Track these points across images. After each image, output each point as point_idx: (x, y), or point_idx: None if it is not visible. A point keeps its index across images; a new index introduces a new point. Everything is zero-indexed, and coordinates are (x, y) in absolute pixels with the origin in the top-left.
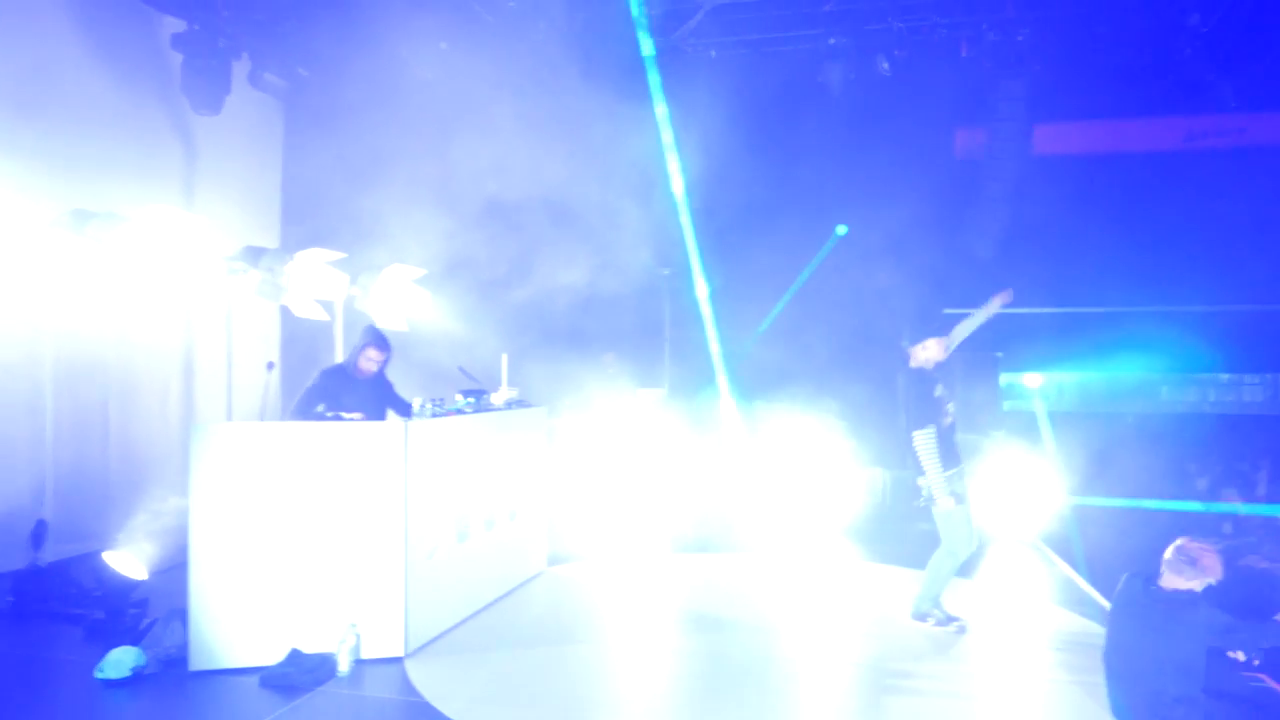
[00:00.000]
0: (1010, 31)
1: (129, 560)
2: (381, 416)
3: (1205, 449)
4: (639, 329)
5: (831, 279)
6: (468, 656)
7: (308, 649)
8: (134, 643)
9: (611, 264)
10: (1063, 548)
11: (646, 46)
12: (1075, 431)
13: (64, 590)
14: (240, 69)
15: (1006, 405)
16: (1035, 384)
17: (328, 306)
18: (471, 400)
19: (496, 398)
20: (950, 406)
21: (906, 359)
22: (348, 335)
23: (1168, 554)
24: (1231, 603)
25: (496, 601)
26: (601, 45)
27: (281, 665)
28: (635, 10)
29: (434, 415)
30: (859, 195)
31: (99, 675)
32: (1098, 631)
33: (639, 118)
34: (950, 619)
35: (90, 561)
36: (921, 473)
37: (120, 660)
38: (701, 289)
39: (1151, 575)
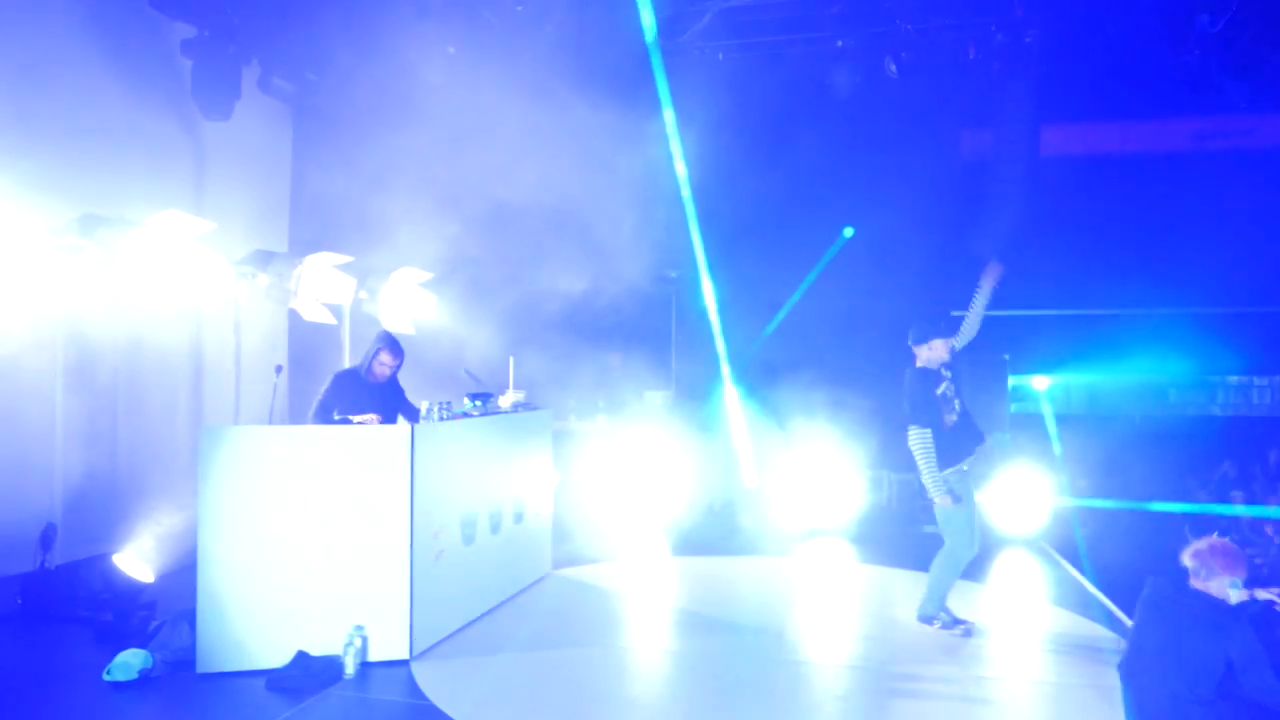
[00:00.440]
0: (1018, 33)
1: (137, 563)
2: (393, 420)
3: (1214, 451)
4: (646, 331)
5: (838, 281)
6: (474, 659)
7: (314, 651)
8: (142, 645)
9: (618, 267)
10: (1069, 550)
11: (654, 49)
12: (1083, 434)
13: (72, 593)
14: (250, 74)
15: (1014, 408)
16: (1043, 386)
17: (336, 310)
18: (478, 403)
19: (503, 401)
20: (956, 404)
21: (913, 358)
22: (356, 339)
23: (1186, 559)
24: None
25: (503, 604)
26: (609, 48)
27: (288, 668)
28: (643, 13)
29: (441, 418)
30: (866, 197)
31: (107, 678)
32: (1105, 635)
33: (646, 120)
34: (956, 622)
35: (99, 564)
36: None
37: (128, 663)
38: (708, 291)
39: (1181, 577)
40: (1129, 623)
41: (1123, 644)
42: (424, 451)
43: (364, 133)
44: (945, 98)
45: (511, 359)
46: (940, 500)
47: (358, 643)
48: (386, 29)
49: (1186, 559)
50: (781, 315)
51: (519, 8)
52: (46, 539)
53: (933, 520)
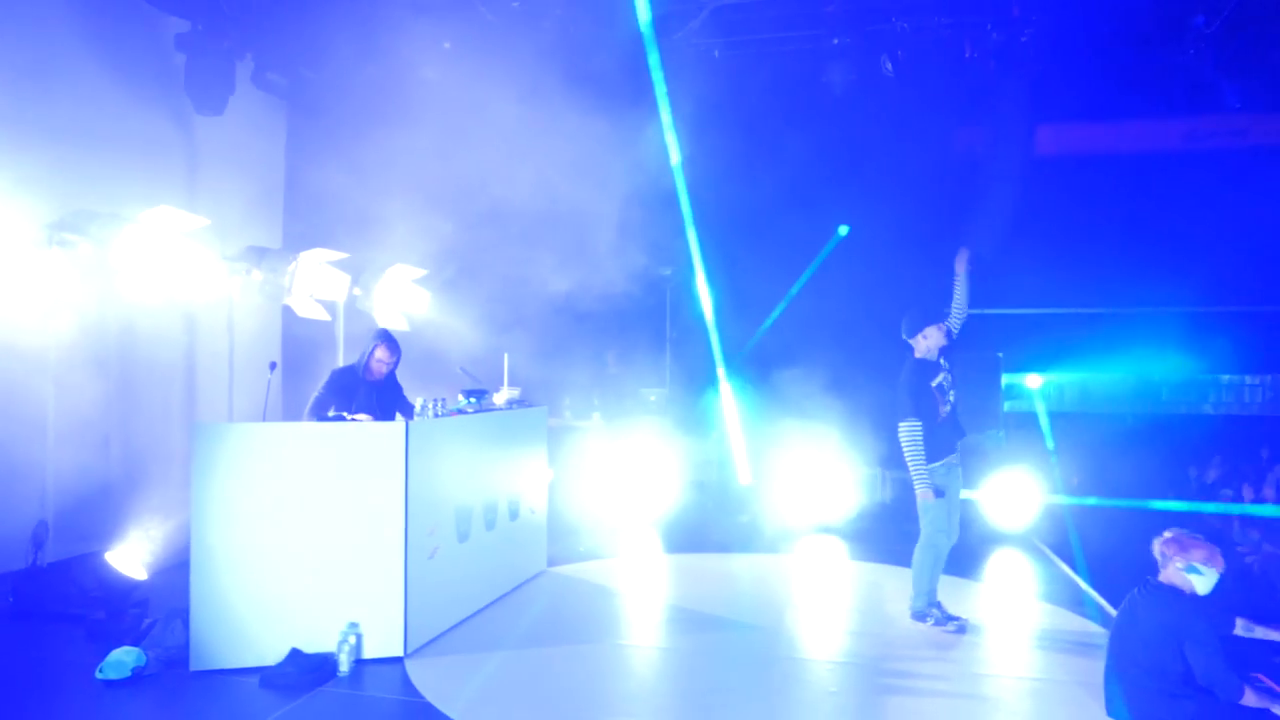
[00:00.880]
0: (1014, 31)
1: (130, 560)
2: (390, 418)
3: (1206, 450)
4: (641, 329)
5: (833, 279)
6: (468, 656)
7: (308, 649)
8: (135, 643)
9: (614, 264)
10: (1062, 548)
11: (649, 46)
12: (1075, 432)
13: (65, 591)
14: (244, 69)
15: (1007, 406)
16: (1036, 384)
17: (330, 306)
18: (473, 400)
19: (498, 398)
20: (951, 395)
21: (911, 351)
22: (350, 335)
23: (1154, 549)
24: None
25: (497, 601)
26: (604, 45)
27: (282, 665)
28: (639, 10)
29: (436, 416)
30: (861, 195)
31: (100, 676)
32: (1097, 631)
33: (642, 117)
34: (949, 618)
35: (91, 562)
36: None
37: (121, 661)
38: (703, 289)
39: (1154, 573)
40: None
41: None
42: (419, 448)
43: (359, 128)
44: (941, 96)
45: (506, 356)
46: (922, 494)
47: (352, 640)
48: (382, 24)
49: (1154, 553)
50: (776, 313)
51: (515, 4)
52: (38, 537)
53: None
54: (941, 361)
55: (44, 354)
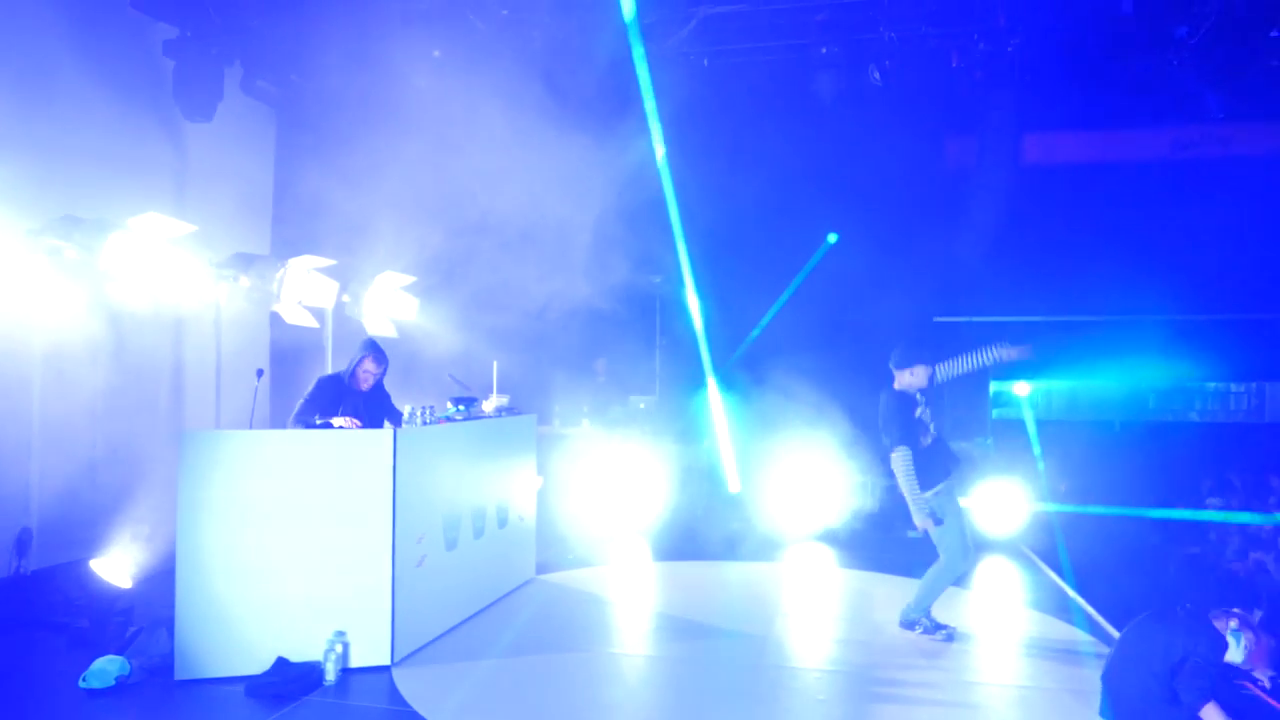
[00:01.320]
0: (1001, 41)
1: (114, 568)
2: (379, 426)
3: (1192, 457)
4: (630, 336)
5: (822, 287)
6: (456, 665)
7: (294, 658)
8: (119, 652)
9: (603, 271)
10: (1049, 555)
11: (638, 55)
12: (1063, 439)
13: (48, 599)
14: (232, 76)
15: (995, 413)
16: (1024, 392)
17: (318, 313)
18: (462, 408)
19: (487, 405)
20: (932, 427)
21: (891, 378)
22: (338, 342)
23: (1233, 624)
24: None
25: (485, 609)
26: (594, 53)
27: (268, 674)
28: (628, 19)
29: (424, 423)
30: (850, 203)
31: (83, 685)
32: (1083, 639)
33: (631, 125)
34: (938, 627)
35: (75, 570)
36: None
37: (104, 669)
38: (693, 297)
39: (1187, 600)
40: (1108, 626)
41: (1102, 647)
42: (406, 456)
43: (348, 135)
44: (928, 105)
45: (495, 363)
46: (920, 524)
47: (338, 649)
48: (371, 31)
49: (1233, 618)
50: (765, 321)
51: (504, 11)
52: (22, 544)
53: (915, 526)
54: (918, 396)
55: (29, 361)
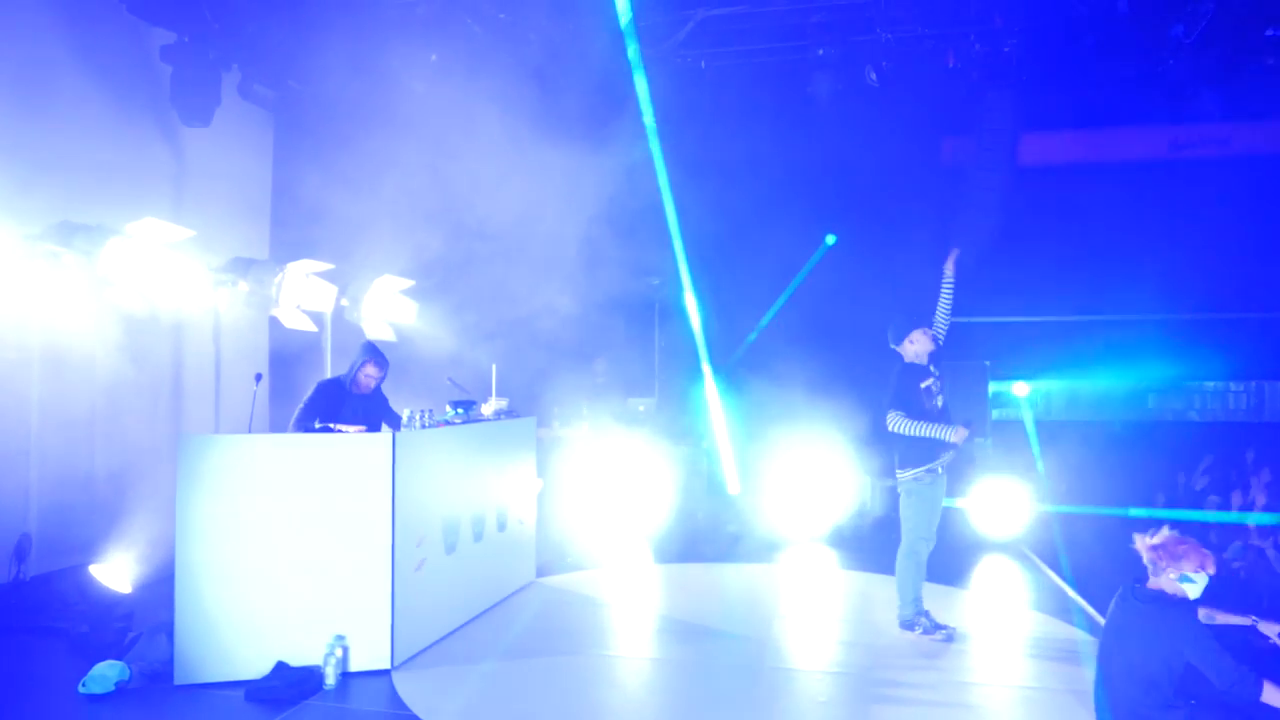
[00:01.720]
0: (997, 42)
1: (114, 573)
2: (377, 429)
3: (1192, 456)
4: (629, 338)
5: (821, 288)
6: (456, 668)
7: (294, 662)
8: (118, 657)
9: (601, 274)
10: (1049, 555)
11: (635, 58)
12: (1062, 439)
13: (48, 604)
14: (230, 81)
15: (995, 414)
16: (1023, 392)
17: (317, 318)
18: (461, 411)
19: (486, 408)
20: (939, 400)
21: (899, 358)
22: (337, 346)
23: (1144, 555)
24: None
25: (485, 613)
26: (591, 56)
27: (267, 679)
28: (624, 22)
29: (423, 426)
30: (848, 204)
31: (83, 690)
32: (1085, 639)
33: (629, 128)
34: (938, 627)
35: (75, 575)
36: (897, 469)
37: (104, 674)
38: (691, 299)
39: (1141, 578)
40: None
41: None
42: (406, 460)
43: (346, 140)
44: (925, 106)
45: (494, 366)
46: (955, 438)
47: (338, 653)
48: (369, 36)
49: (1143, 557)
50: (764, 322)
51: (501, 15)
52: (21, 550)
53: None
54: (931, 367)
55: (28, 367)
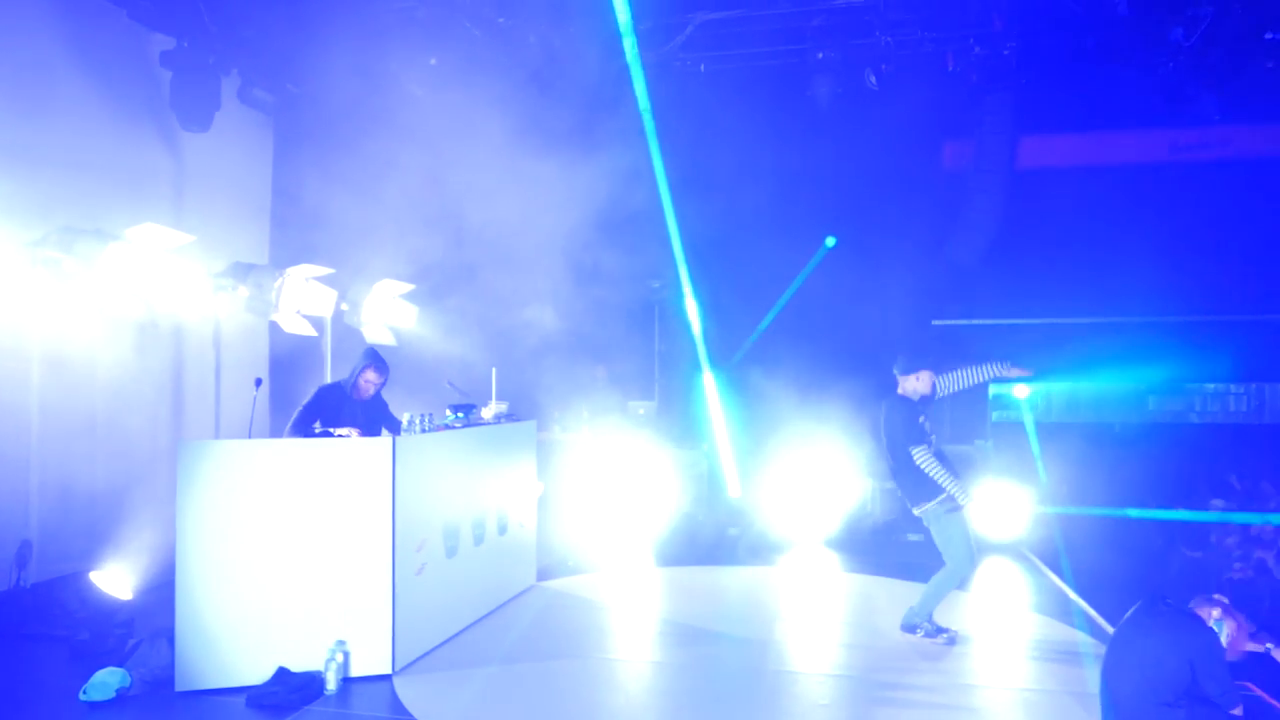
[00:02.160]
0: (996, 45)
1: (115, 580)
2: (377, 434)
3: (1192, 458)
4: (630, 342)
5: (821, 291)
6: (457, 673)
7: (295, 668)
8: (119, 664)
9: (602, 277)
10: (1050, 557)
11: (635, 61)
12: (1063, 441)
13: (48, 611)
14: (229, 85)
15: (995, 416)
16: (1024, 394)
17: (317, 322)
18: (461, 415)
19: (486, 412)
20: (933, 438)
21: (894, 384)
22: (337, 351)
23: (1213, 610)
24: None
25: (486, 617)
26: (590, 60)
27: (268, 684)
28: (624, 25)
29: (423, 430)
30: (848, 207)
31: (83, 698)
32: (1086, 641)
33: (628, 131)
34: (939, 630)
35: (75, 582)
36: (915, 503)
37: (105, 682)
38: (691, 302)
39: (1169, 594)
40: (1109, 629)
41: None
42: (406, 464)
43: (345, 144)
44: (925, 109)
45: (494, 370)
46: (963, 501)
47: (339, 658)
48: (368, 40)
49: (1216, 607)
50: (764, 325)
51: (500, 19)
52: (22, 556)
53: (916, 528)
54: (919, 405)
55: (27, 372)
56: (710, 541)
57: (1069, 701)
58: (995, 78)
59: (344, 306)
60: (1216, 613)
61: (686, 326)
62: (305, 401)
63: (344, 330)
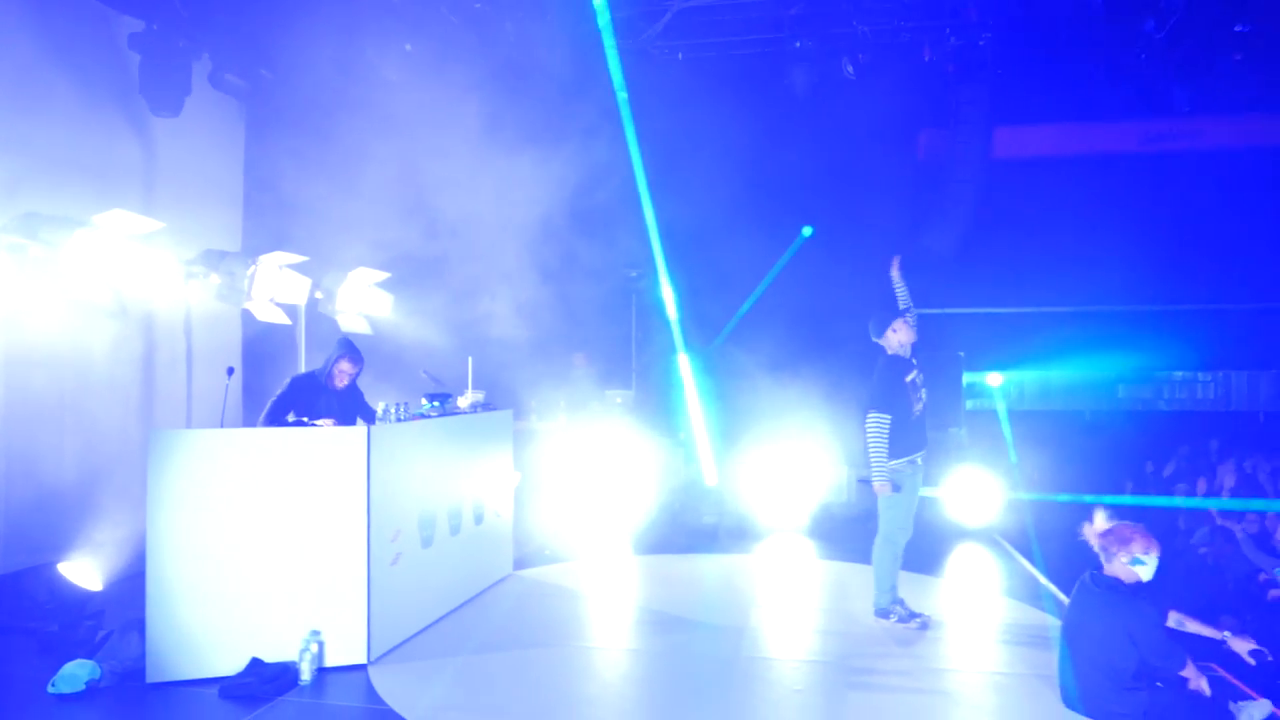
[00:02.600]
0: (972, 36)
1: (84, 571)
2: (352, 424)
3: (1160, 444)
4: (607, 331)
5: (798, 279)
6: (432, 662)
7: (269, 658)
8: (89, 655)
9: (578, 265)
10: (1021, 543)
11: (612, 49)
12: (1035, 429)
13: (16, 603)
14: (200, 69)
15: (969, 404)
16: (997, 383)
17: (290, 310)
18: (436, 404)
19: (462, 401)
20: (922, 393)
21: (882, 351)
22: (311, 339)
23: (1094, 543)
24: (1176, 594)
25: (462, 606)
26: (568, 47)
27: (242, 675)
28: (602, 13)
29: (398, 420)
30: (824, 196)
31: (52, 690)
32: (1055, 625)
33: (606, 119)
34: (912, 615)
35: (44, 573)
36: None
37: (74, 674)
38: (668, 291)
39: (1098, 566)
40: None
41: None
42: (381, 453)
43: (319, 130)
44: (901, 99)
45: (470, 359)
46: (879, 488)
47: (313, 648)
48: (342, 24)
49: (1093, 545)
50: (740, 314)
51: (477, 4)
52: None
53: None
54: (913, 360)
55: None
56: (686, 529)
57: (1039, 684)
58: (971, 68)
59: (318, 295)
60: (1124, 557)
61: (663, 315)
62: (279, 391)
63: (318, 319)
